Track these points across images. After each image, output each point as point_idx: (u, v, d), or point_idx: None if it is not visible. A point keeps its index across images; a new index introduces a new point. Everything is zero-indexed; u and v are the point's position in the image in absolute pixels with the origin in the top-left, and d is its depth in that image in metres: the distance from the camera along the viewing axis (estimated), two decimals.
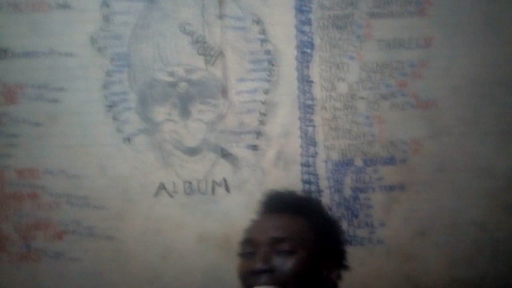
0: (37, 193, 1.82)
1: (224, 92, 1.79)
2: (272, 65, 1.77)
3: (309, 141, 1.76)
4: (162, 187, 1.79)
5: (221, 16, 1.78)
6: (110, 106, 1.80)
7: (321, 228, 1.10)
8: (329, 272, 1.10)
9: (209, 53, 1.79)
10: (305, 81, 1.77)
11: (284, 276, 0.99)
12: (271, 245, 1.03)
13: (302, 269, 1.01)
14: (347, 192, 1.75)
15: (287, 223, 1.07)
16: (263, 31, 1.78)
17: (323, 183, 1.75)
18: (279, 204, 1.16)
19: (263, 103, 1.78)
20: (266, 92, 1.78)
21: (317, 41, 1.77)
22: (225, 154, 1.79)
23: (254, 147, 1.78)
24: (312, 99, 1.77)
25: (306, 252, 1.03)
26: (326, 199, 1.74)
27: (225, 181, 1.79)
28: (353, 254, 1.70)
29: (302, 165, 1.76)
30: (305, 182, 1.76)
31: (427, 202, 1.72)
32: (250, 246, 1.08)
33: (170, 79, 1.79)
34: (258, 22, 1.78)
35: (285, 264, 1.00)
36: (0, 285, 1.81)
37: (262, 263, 1.00)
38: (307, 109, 1.77)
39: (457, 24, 1.74)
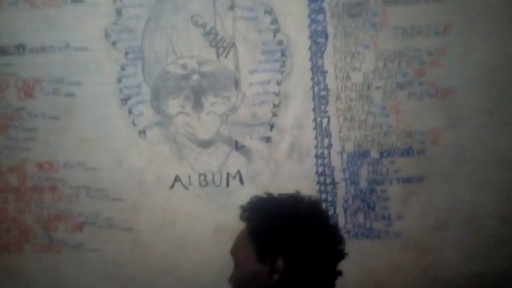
0: (57, 186, 1.75)
1: (236, 84, 1.65)
2: (285, 55, 1.62)
3: (323, 132, 1.62)
4: (177, 179, 1.69)
5: (232, 7, 1.62)
6: (124, 100, 1.71)
7: (258, 230, 1.05)
8: (273, 266, 1.01)
9: (221, 44, 1.65)
10: (318, 71, 1.61)
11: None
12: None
13: (241, 279, 1.06)
14: (363, 184, 1.60)
15: (238, 235, 1.10)
16: (275, 21, 1.62)
17: (338, 175, 1.61)
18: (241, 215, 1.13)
19: (276, 94, 1.63)
20: (279, 83, 1.63)
21: (330, 30, 1.59)
22: (238, 147, 1.66)
23: (268, 139, 1.64)
24: (326, 89, 1.61)
25: (244, 262, 1.05)
26: (341, 192, 1.60)
27: (239, 173, 1.67)
28: (370, 247, 1.61)
29: (317, 157, 1.62)
30: (319, 174, 1.61)
31: (445, 194, 1.56)
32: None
33: (183, 71, 1.66)
34: (269, 12, 1.61)
35: (232, 278, 1.08)
36: (23, 274, 1.77)
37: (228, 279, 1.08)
38: (321, 100, 1.62)
39: (476, 10, 1.54)
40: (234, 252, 1.09)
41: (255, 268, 1.03)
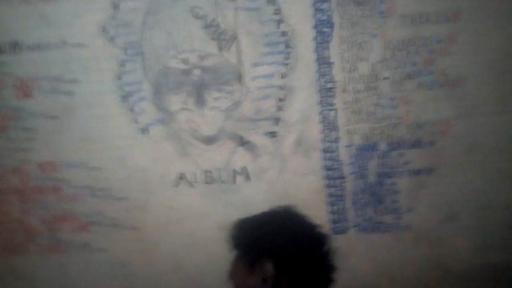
0: (60, 186, 1.70)
1: (239, 78, 1.59)
2: (289, 47, 1.54)
3: (330, 126, 1.56)
4: (182, 177, 1.64)
5: None
6: (124, 97, 1.65)
7: (242, 241, 1.12)
8: (263, 273, 1.06)
9: (223, 37, 1.59)
10: (324, 63, 1.54)
11: None
12: None
13: None
14: (372, 178, 1.55)
15: (231, 261, 1.15)
16: (278, 11, 1.55)
17: (346, 169, 1.56)
18: None
19: (280, 88, 1.57)
20: (283, 76, 1.56)
21: (336, 19, 1.52)
22: (243, 142, 1.61)
23: (273, 134, 1.59)
24: (332, 81, 1.55)
25: (239, 279, 1.11)
26: (350, 186, 1.54)
27: (244, 169, 1.62)
28: (380, 241, 1.57)
29: (324, 151, 1.56)
30: (327, 168, 1.56)
31: (456, 185, 1.51)
32: None
33: (184, 66, 1.60)
34: (272, 1, 1.55)
35: None
36: (30, 275, 1.74)
37: None
38: (327, 92, 1.55)
39: None
40: (229, 276, 1.13)
41: (249, 280, 1.07)
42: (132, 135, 1.66)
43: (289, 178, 1.60)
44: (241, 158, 1.62)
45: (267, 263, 1.05)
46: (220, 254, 1.58)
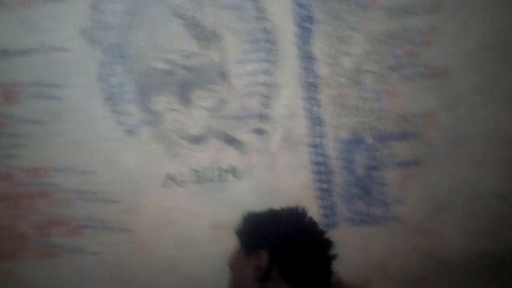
0: (48, 191, 1.72)
1: (223, 76, 1.62)
2: (271, 43, 1.57)
3: (315, 121, 1.58)
4: (170, 177, 1.67)
5: None
6: (109, 99, 1.68)
7: (243, 229, 1.19)
8: (258, 259, 1.11)
9: (204, 36, 1.61)
10: (306, 58, 1.57)
11: None
12: None
13: (233, 281, 1.18)
14: (360, 171, 1.57)
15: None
16: (258, 8, 1.56)
17: (334, 164, 1.58)
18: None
19: (264, 84, 1.59)
20: (268, 73, 1.58)
21: (317, 14, 1.54)
22: (230, 140, 1.64)
23: (260, 131, 1.62)
24: (316, 76, 1.57)
25: (234, 263, 1.18)
26: (338, 180, 1.57)
27: (232, 167, 1.65)
28: (370, 233, 1.61)
29: (310, 146, 1.59)
30: (314, 163, 1.59)
31: (444, 176, 1.54)
32: None
33: (167, 66, 1.63)
34: None
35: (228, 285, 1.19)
36: (22, 282, 1.75)
37: None
38: (311, 87, 1.58)
39: None
40: (228, 262, 1.18)
41: (244, 266, 1.13)
42: (119, 137, 1.68)
43: (278, 174, 1.62)
44: (229, 156, 1.64)
45: (262, 252, 1.09)
46: (213, 252, 1.64)
